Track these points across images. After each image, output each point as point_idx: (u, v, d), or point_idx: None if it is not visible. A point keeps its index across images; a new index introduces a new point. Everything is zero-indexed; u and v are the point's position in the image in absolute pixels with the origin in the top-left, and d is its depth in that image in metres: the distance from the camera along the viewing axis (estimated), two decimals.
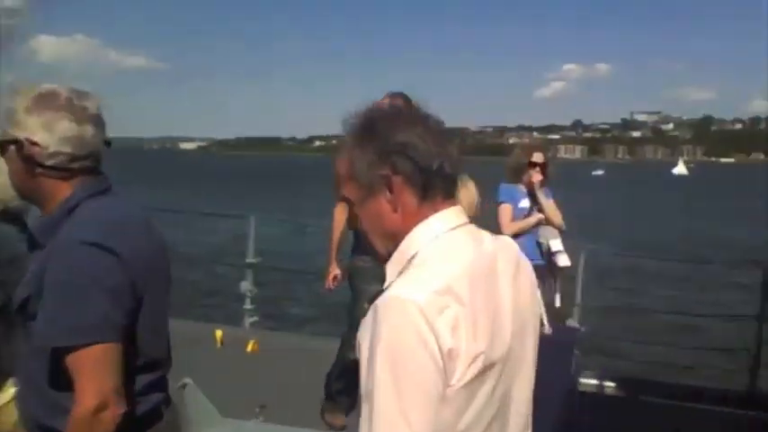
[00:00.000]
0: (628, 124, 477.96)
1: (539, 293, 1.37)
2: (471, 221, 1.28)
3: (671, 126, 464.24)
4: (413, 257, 1.19)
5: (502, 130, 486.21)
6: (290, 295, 11.13)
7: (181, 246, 16.24)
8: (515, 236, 4.50)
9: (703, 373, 6.68)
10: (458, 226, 1.22)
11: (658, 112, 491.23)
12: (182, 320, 6.53)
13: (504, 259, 1.27)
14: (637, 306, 11.03)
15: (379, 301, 1.10)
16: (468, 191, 2.51)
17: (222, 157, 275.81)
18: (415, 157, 1.19)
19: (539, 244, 4.65)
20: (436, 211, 1.22)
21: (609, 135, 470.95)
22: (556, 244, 4.63)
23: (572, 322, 5.63)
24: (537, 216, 4.71)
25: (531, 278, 1.34)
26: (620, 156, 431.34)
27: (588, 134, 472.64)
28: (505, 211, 4.71)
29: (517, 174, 4.80)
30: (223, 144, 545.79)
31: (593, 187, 63.89)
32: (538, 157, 4.75)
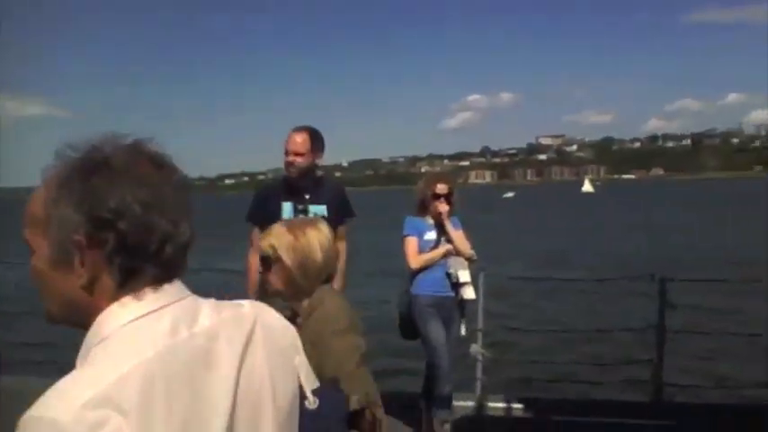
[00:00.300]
0: (534, 148, 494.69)
1: (299, 360, 1.09)
2: (191, 297, 0.98)
3: (575, 148, 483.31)
4: (96, 346, 0.90)
5: (414, 160, 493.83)
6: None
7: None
8: (424, 268, 4.53)
9: (609, 386, 6.68)
10: (152, 311, 0.92)
11: (562, 136, 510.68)
12: (32, 377, 5.71)
13: (229, 337, 0.96)
14: (539, 324, 11.04)
15: (21, 420, 0.81)
16: (320, 232, 2.30)
17: None
18: (125, 233, 0.89)
19: (448, 275, 4.53)
20: (137, 295, 0.92)
21: (517, 159, 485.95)
22: (464, 275, 4.51)
23: (476, 348, 5.55)
24: (444, 247, 4.58)
25: (277, 347, 1.04)
26: (528, 178, 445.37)
27: (497, 159, 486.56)
28: (411, 244, 4.60)
29: (423, 206, 4.68)
30: None
31: (504, 209, 65.37)
32: (441, 189, 4.62)
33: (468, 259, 4.62)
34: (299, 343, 1.09)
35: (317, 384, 1.18)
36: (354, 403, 1.47)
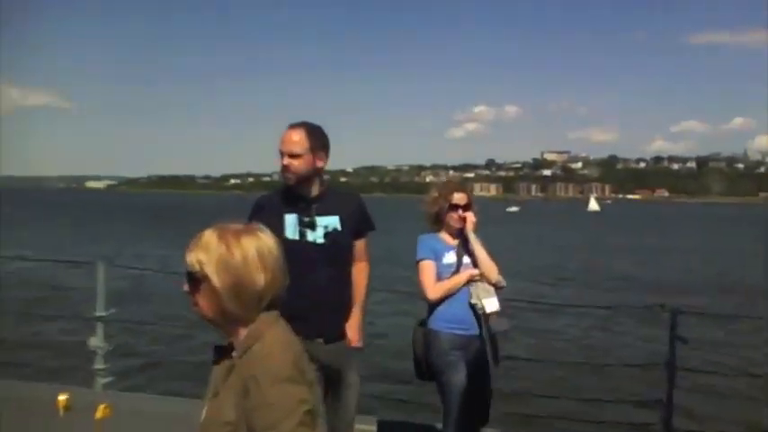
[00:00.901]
0: (539, 163, 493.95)
1: None
2: None
3: (579, 165, 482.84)
4: None
5: (418, 169, 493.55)
6: (147, 352, 10.18)
7: (24, 294, 15.26)
8: (442, 300, 3.78)
9: (614, 428, 6.28)
10: None
11: (567, 152, 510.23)
12: (18, 382, 5.77)
13: None
14: (541, 354, 10.60)
15: None
16: (260, 241, 1.76)
17: (127, 195, 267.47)
18: None
19: (472, 306, 3.75)
20: None
21: (522, 173, 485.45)
22: (491, 304, 3.74)
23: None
24: (467, 272, 3.81)
25: None
26: (533, 193, 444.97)
27: (502, 173, 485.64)
28: (427, 270, 3.82)
29: (438, 220, 3.95)
30: (132, 182, 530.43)
31: (509, 223, 64.82)
32: (460, 198, 3.91)
33: (495, 285, 3.83)
34: None
35: None
36: None
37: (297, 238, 3.33)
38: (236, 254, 1.71)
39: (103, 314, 5.30)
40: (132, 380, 7.54)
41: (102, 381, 5.30)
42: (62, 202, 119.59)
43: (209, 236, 1.75)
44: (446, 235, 3.93)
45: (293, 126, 3.35)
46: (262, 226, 1.83)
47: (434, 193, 4.01)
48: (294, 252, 3.18)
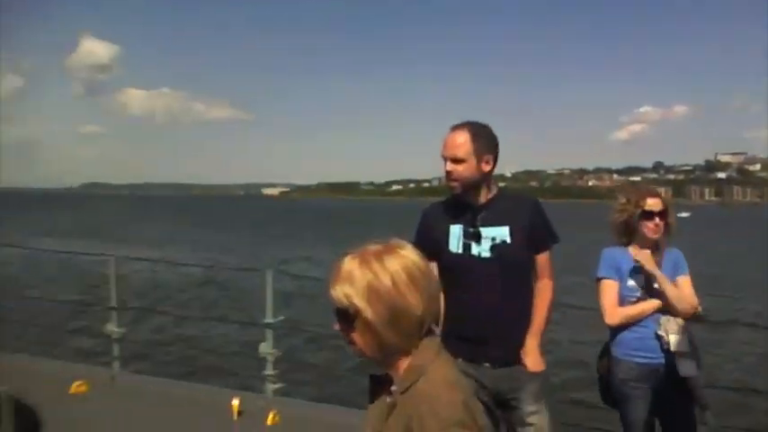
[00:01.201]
0: (712, 165, 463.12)
1: None
2: None
3: (758, 167, 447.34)
4: None
5: (581, 172, 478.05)
6: (316, 359, 10.27)
7: (195, 300, 16.33)
8: (623, 326, 3.34)
9: None
10: None
11: (744, 153, 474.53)
12: (194, 384, 6.03)
13: None
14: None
15: None
16: (406, 259, 1.54)
17: (298, 201, 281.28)
18: None
19: (658, 337, 3.26)
20: None
21: (692, 176, 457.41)
22: (676, 342, 3.20)
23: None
24: (652, 303, 3.30)
25: None
26: (706, 198, 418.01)
27: (671, 176, 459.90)
28: (608, 291, 3.36)
29: (627, 230, 3.42)
30: (303, 189, 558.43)
31: (679, 230, 60.78)
32: (654, 204, 3.36)
33: (693, 317, 3.28)
34: None
35: None
36: None
37: (460, 251, 3.00)
38: (383, 279, 1.50)
39: (271, 321, 5.37)
40: (301, 387, 7.65)
41: (272, 387, 5.37)
42: (239, 208, 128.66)
43: (350, 264, 1.54)
44: (635, 249, 3.37)
45: (456, 128, 2.98)
46: (402, 242, 1.60)
47: (623, 199, 3.48)
48: (458, 267, 3.01)
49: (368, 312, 1.49)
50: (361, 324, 1.51)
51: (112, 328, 5.96)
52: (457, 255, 2.99)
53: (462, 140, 2.93)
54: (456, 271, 2.98)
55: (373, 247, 1.56)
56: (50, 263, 20.77)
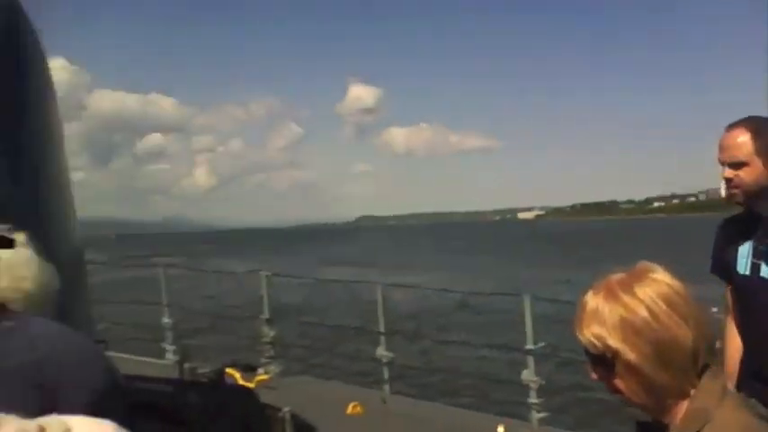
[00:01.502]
0: None
1: None
2: None
3: None
4: None
5: None
6: (578, 390, 9.63)
7: (455, 325, 16.28)
8: None
9: None
10: None
11: None
12: (460, 410, 6.11)
13: None
14: None
15: None
16: (660, 285, 1.30)
17: (552, 225, 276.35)
18: None
19: None
20: None
21: None
22: None
23: None
24: None
25: None
26: None
27: None
28: None
29: None
30: (559, 211, 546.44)
31: None
32: None
33: None
34: None
35: None
36: None
37: (748, 273, 2.49)
38: (638, 311, 1.28)
39: (532, 347, 5.30)
40: (565, 415, 7.42)
41: (537, 416, 5.29)
42: (495, 233, 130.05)
43: (594, 300, 1.34)
44: None
45: (732, 126, 2.45)
46: (651, 264, 1.36)
47: None
48: (745, 292, 2.55)
49: (628, 353, 1.29)
50: (622, 368, 1.31)
51: (382, 352, 6.28)
52: (744, 277, 2.51)
53: (742, 139, 2.41)
54: (743, 296, 2.55)
55: (618, 276, 1.36)
56: (327, 291, 22.28)
